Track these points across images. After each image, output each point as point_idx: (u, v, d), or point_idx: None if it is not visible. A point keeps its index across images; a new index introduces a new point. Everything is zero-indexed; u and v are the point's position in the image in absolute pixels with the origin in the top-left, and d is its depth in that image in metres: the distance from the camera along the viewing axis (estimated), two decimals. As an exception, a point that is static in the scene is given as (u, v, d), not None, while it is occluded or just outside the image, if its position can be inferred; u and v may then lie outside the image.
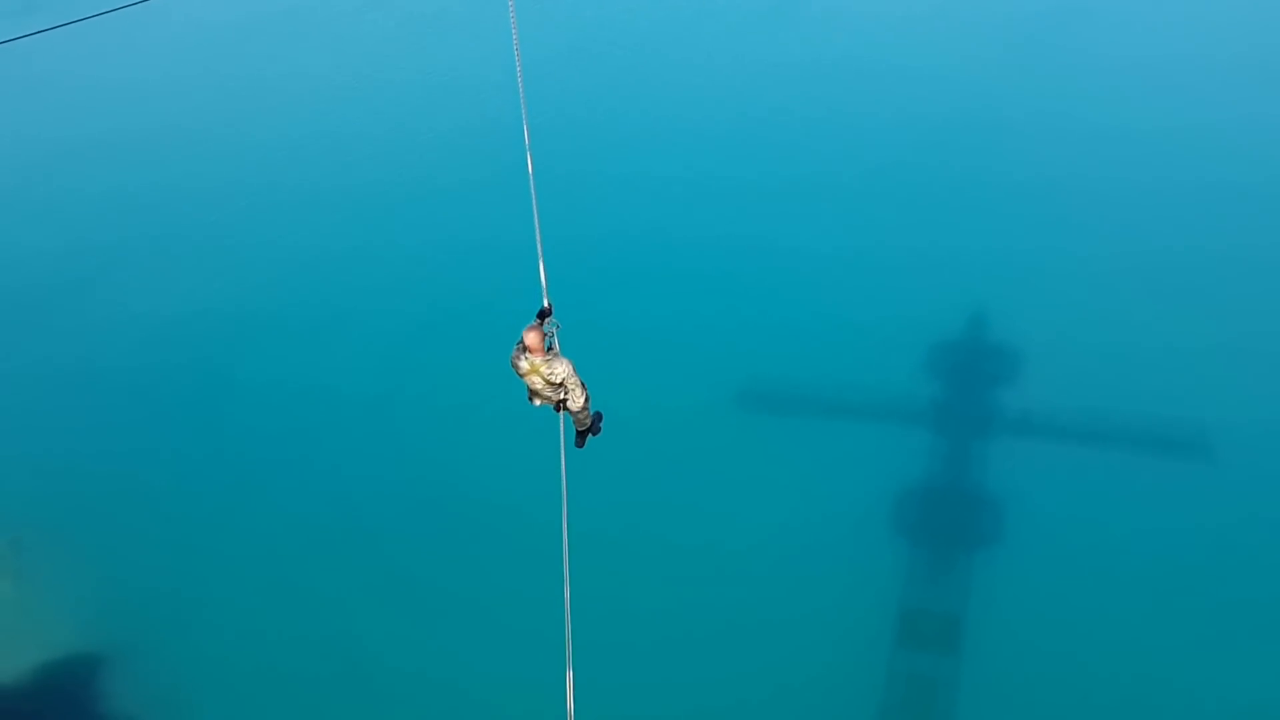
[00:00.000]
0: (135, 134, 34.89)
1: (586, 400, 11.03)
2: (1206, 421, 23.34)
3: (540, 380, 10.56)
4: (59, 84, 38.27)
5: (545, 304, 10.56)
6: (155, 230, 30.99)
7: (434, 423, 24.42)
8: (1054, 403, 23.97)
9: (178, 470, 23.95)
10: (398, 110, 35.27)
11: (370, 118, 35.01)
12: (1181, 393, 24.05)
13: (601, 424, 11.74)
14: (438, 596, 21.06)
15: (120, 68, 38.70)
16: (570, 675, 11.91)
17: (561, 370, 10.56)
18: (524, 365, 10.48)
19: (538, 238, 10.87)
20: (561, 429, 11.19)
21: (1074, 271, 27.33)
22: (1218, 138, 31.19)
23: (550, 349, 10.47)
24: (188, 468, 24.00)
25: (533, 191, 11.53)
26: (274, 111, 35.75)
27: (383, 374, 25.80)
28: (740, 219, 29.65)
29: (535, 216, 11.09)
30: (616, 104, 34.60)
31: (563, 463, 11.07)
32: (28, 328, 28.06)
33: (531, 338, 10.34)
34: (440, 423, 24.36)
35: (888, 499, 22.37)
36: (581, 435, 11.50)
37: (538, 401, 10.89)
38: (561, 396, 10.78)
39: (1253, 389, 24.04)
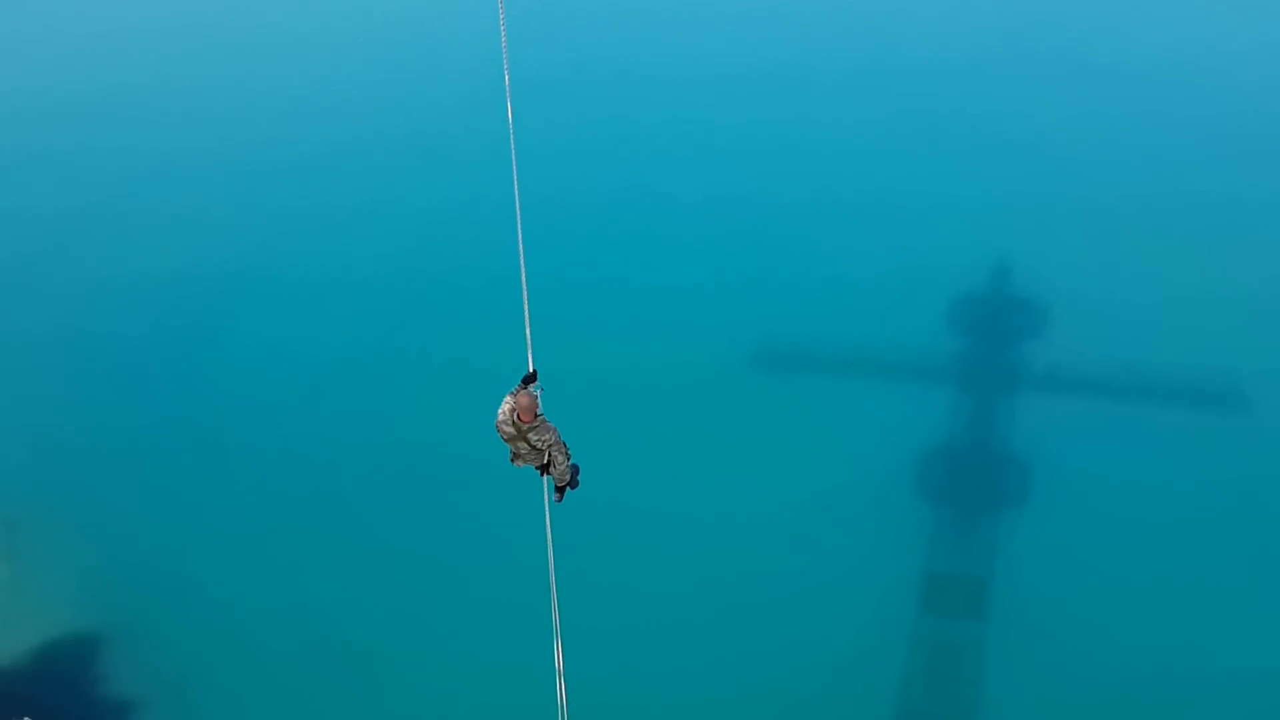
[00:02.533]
0: (117, 92, 33.93)
1: (568, 463, 11.23)
2: (1240, 372, 22.58)
3: (526, 446, 10.70)
4: (38, 39, 37.34)
5: (530, 369, 10.77)
6: (139, 192, 30.05)
7: (425, 392, 23.64)
8: (1081, 356, 23.19)
9: (169, 444, 23.18)
10: (391, 68, 34.31)
11: (363, 76, 34.05)
12: (1214, 342, 23.25)
13: (579, 477, 11.83)
14: (435, 575, 20.40)
15: (100, 22, 37.74)
16: (558, 652, 11.89)
17: (549, 437, 10.71)
18: (510, 430, 10.60)
19: (523, 284, 11.06)
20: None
21: (1097, 217, 26.42)
22: (1248, 73, 30.15)
23: (538, 415, 10.56)
24: (179, 441, 23.23)
25: (519, 230, 11.39)
26: (262, 69, 34.79)
27: (371, 341, 24.99)
28: (750, 173, 28.68)
29: (521, 262, 11.22)
30: (619, 56, 33.60)
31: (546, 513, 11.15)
32: (9, 295, 27.19)
33: (524, 403, 10.44)
34: (433, 392, 23.57)
35: (910, 459, 21.67)
36: (560, 490, 11.59)
37: (520, 463, 11.01)
38: (545, 461, 10.92)
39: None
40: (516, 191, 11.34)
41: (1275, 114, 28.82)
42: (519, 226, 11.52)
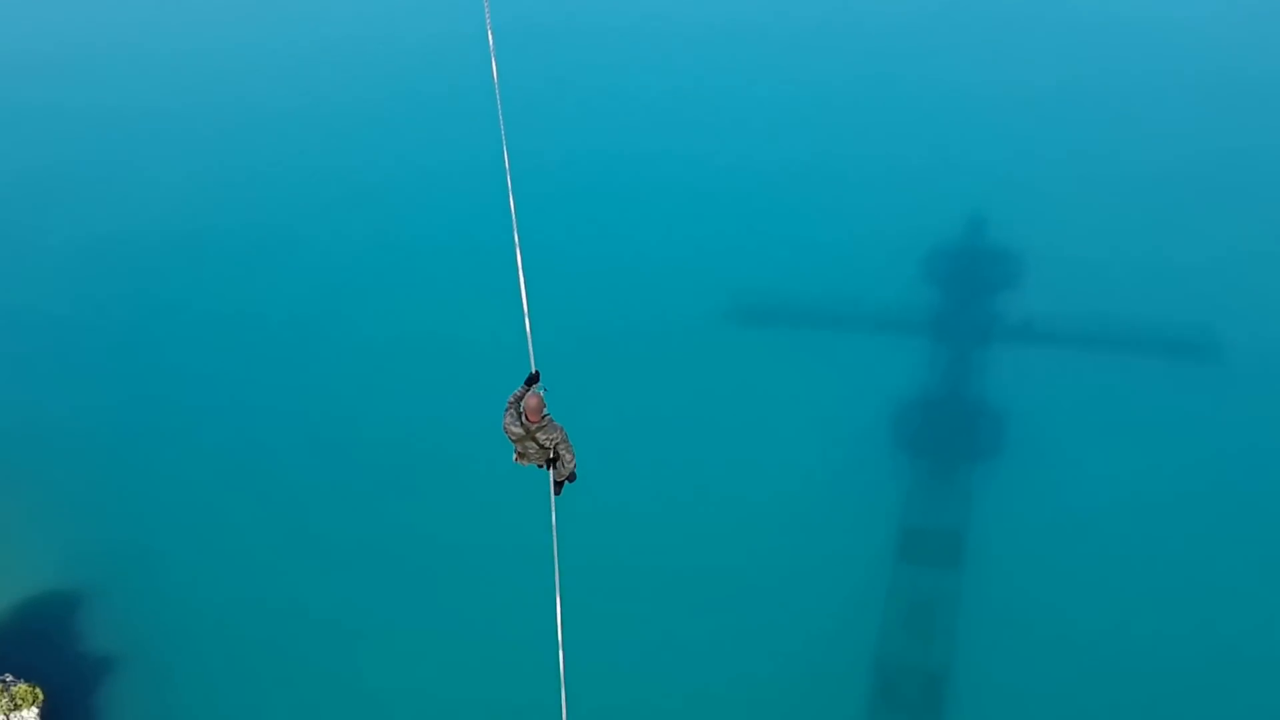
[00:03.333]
0: (69, 52, 33.12)
1: (573, 460, 11.35)
2: (1213, 324, 22.88)
3: (535, 445, 10.91)
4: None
5: (533, 370, 10.98)
6: (92, 153, 29.46)
7: (389, 356, 23.48)
8: (1055, 308, 23.41)
9: (141, 408, 22.86)
10: (356, 26, 33.76)
11: (325, 33, 33.47)
12: (1186, 294, 23.54)
13: (575, 469, 11.78)
14: (404, 539, 20.26)
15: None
16: (559, 613, 11.76)
17: (556, 435, 10.92)
18: (518, 430, 10.81)
19: (521, 281, 11.12)
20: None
21: (1073, 172, 26.63)
22: (1225, 29, 30.24)
23: (545, 415, 10.77)
24: (150, 405, 22.92)
25: (513, 211, 11.32)
26: (223, 26, 34.13)
27: (328, 301, 24.79)
28: (732, 131, 28.57)
29: (519, 260, 11.13)
30: (600, 14, 33.28)
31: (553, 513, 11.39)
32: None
33: (531, 404, 10.64)
34: (397, 356, 23.44)
35: (887, 412, 21.77)
36: (559, 484, 11.66)
37: (524, 462, 11.16)
38: (550, 458, 11.10)
39: (1259, 289, 23.52)
40: (506, 160, 11.23)
41: (1251, 70, 28.96)
42: (511, 202, 11.41)
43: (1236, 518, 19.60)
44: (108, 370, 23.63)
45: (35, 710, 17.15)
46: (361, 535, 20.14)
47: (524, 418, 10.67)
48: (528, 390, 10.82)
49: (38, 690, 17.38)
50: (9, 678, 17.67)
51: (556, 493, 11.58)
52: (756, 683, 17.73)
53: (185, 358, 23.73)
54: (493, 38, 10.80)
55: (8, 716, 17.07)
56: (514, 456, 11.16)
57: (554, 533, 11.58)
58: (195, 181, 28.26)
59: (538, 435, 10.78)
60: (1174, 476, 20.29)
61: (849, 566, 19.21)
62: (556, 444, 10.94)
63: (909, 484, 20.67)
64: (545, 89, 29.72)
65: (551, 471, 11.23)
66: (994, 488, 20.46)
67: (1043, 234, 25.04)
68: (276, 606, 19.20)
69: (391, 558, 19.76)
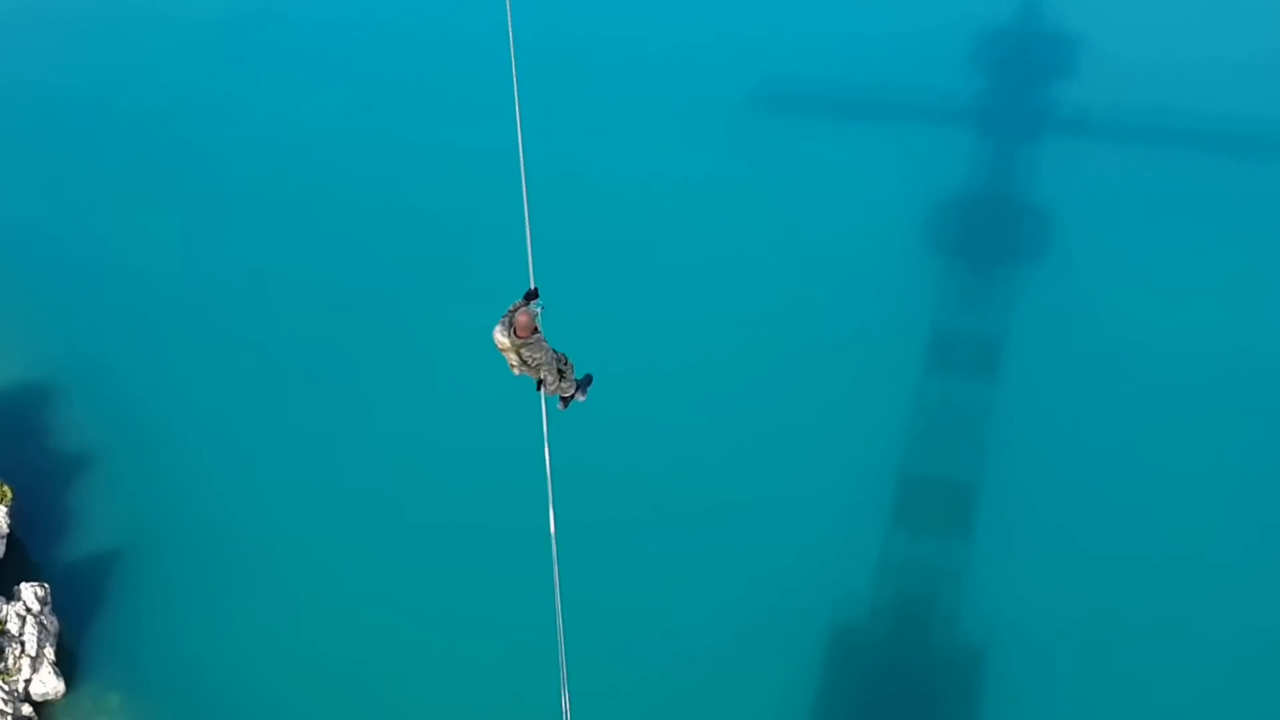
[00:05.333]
0: None
1: (568, 378, 11.64)
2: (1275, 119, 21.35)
3: (518, 359, 10.91)
4: None
5: (532, 286, 10.97)
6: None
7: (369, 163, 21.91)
8: (1111, 98, 21.79)
9: (102, 202, 21.55)
10: None
11: None
12: (1252, 81, 21.81)
13: (589, 387, 12.21)
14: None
15: None
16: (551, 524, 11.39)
17: (540, 356, 10.94)
18: (505, 342, 10.78)
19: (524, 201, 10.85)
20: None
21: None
22: None
23: (535, 333, 10.79)
24: (111, 199, 21.60)
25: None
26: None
27: (310, 105, 22.97)
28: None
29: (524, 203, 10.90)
30: None
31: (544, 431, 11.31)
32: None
33: (522, 320, 10.57)
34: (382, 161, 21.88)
35: (925, 207, 20.56)
36: (565, 400, 11.98)
37: (518, 372, 11.21)
38: (540, 376, 11.23)
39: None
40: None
41: None
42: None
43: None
44: (78, 165, 22.10)
45: (4, 508, 16.88)
46: (341, 360, 19.22)
47: (514, 332, 10.67)
48: (524, 305, 10.81)
49: (7, 489, 17.11)
50: (-22, 476, 17.42)
51: (561, 407, 11.90)
52: (783, 483, 17.26)
53: (158, 155, 22.22)
54: None
55: (-22, 515, 16.82)
56: (509, 365, 11.24)
57: (546, 454, 11.19)
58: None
59: (521, 350, 10.81)
60: (1226, 277, 19.20)
61: (882, 366, 18.49)
62: (539, 365, 11.02)
63: (948, 282, 19.62)
64: None
65: (543, 391, 11.38)
66: (1037, 288, 19.45)
67: (1096, 20, 23.14)
68: (249, 408, 18.70)
69: (373, 390, 18.93)
